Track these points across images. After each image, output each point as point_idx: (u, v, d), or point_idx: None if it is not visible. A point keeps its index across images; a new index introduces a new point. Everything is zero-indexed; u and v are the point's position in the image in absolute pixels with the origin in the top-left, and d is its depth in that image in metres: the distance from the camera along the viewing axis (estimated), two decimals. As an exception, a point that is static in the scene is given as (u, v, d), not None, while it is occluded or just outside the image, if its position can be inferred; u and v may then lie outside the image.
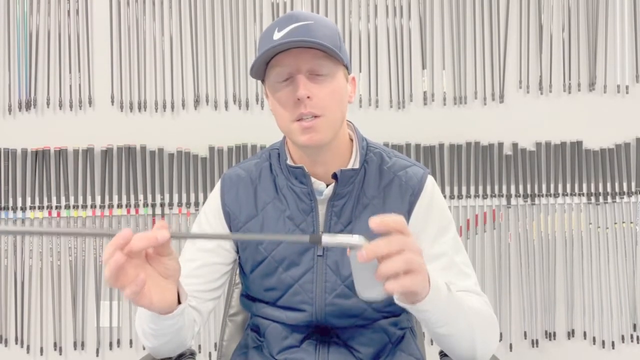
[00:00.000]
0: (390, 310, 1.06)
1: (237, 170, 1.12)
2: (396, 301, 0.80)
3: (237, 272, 1.25)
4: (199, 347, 2.43)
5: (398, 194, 1.04)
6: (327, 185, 1.04)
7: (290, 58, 0.94)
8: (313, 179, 1.03)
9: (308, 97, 0.94)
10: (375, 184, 1.05)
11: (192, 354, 1.13)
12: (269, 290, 1.05)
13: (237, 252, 1.11)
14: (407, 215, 1.03)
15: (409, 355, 1.08)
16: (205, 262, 1.07)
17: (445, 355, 1.03)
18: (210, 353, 2.43)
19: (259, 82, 2.49)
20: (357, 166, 1.05)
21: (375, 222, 0.70)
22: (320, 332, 1.05)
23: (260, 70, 0.99)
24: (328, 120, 0.97)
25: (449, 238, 1.04)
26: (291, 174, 1.04)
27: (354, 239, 0.71)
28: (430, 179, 1.07)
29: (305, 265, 1.02)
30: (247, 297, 1.14)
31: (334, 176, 1.02)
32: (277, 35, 0.94)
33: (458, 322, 0.87)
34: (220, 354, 1.25)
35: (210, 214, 1.10)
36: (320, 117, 0.96)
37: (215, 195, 1.11)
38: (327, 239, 0.71)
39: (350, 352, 1.04)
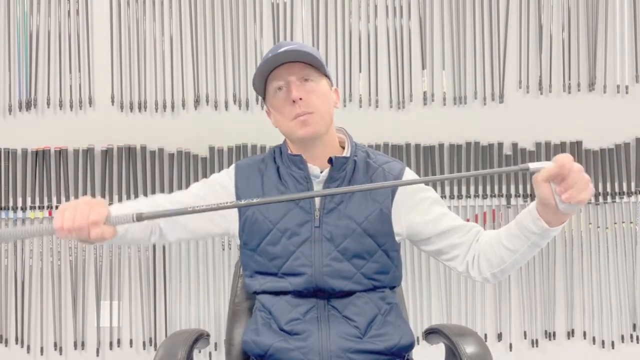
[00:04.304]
0: (379, 278, 1.29)
1: (247, 160, 1.39)
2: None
3: (241, 264, 1.44)
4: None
5: (382, 180, 1.29)
6: (322, 172, 1.29)
7: (283, 71, 1.24)
8: (309, 165, 1.28)
9: (300, 99, 1.22)
10: (364, 173, 1.31)
11: (208, 335, 1.39)
12: (274, 259, 1.27)
13: (241, 233, 1.31)
14: (391, 196, 1.29)
15: (396, 324, 1.30)
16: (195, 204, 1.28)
17: (430, 332, 1.38)
18: (216, 343, 2.53)
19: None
20: (348, 155, 1.30)
21: (552, 170, 1.00)
22: (320, 299, 1.26)
23: (261, 86, 1.29)
24: (318, 116, 1.24)
25: (439, 205, 1.32)
26: (291, 162, 1.29)
27: (548, 163, 1.00)
28: (407, 170, 1.35)
29: (305, 235, 1.26)
30: (251, 277, 1.33)
31: (330, 161, 1.27)
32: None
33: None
34: (228, 337, 1.46)
35: (222, 191, 1.33)
36: (312, 114, 1.23)
37: (229, 179, 1.34)
38: (533, 165, 1.00)
39: (347, 322, 1.25)
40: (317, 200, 1.27)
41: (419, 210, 1.30)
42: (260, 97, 2.52)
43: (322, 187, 1.28)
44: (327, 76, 1.30)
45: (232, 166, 1.38)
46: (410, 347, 1.30)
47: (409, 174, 1.36)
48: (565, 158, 0.98)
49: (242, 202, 1.05)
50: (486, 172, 1.31)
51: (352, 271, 1.26)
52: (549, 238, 1.12)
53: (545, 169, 0.99)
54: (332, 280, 1.24)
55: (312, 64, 1.25)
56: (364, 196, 1.27)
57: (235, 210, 1.31)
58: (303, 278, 1.24)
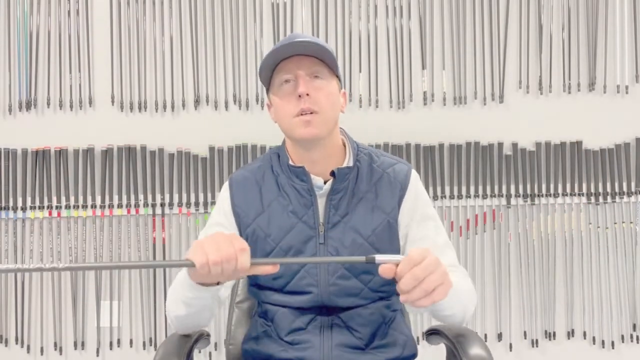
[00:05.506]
0: (385, 289, 1.23)
1: (243, 172, 1.30)
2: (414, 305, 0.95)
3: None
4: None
5: (388, 188, 1.24)
6: (325, 182, 1.22)
7: (292, 64, 1.16)
8: (312, 176, 1.21)
9: (307, 95, 1.14)
10: (367, 180, 1.24)
11: (208, 335, 1.34)
12: (277, 278, 1.22)
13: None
14: (397, 206, 1.23)
15: (400, 334, 1.26)
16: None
17: (431, 333, 1.31)
18: (216, 343, 2.53)
19: (259, 82, 2.55)
20: (351, 164, 1.23)
21: (385, 271, 0.90)
22: (324, 315, 1.22)
23: (267, 76, 1.21)
24: (323, 117, 1.16)
25: (431, 224, 1.25)
26: (292, 173, 1.22)
27: (398, 257, 0.92)
28: (414, 174, 1.28)
29: (310, 253, 1.20)
30: (256, 286, 1.30)
31: (332, 174, 1.20)
32: None
33: (456, 305, 1.13)
34: (229, 337, 1.45)
35: (222, 213, 1.27)
36: (317, 114, 1.15)
37: (224, 198, 1.28)
38: (380, 257, 0.92)
39: (351, 333, 1.22)
40: (321, 213, 1.21)
41: (414, 224, 1.23)
42: (260, 97, 2.55)
43: (325, 199, 1.21)
44: (337, 77, 1.23)
45: (226, 183, 1.30)
46: (412, 357, 1.28)
47: (415, 178, 1.28)
48: (407, 262, 0.88)
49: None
50: (329, 261, 1.20)
51: (359, 287, 1.21)
52: (436, 306, 1.04)
53: (381, 267, 0.90)
54: (338, 298, 1.20)
55: (324, 61, 1.18)
56: (369, 205, 1.21)
57: (235, 227, 1.25)
58: (308, 297, 1.20)
